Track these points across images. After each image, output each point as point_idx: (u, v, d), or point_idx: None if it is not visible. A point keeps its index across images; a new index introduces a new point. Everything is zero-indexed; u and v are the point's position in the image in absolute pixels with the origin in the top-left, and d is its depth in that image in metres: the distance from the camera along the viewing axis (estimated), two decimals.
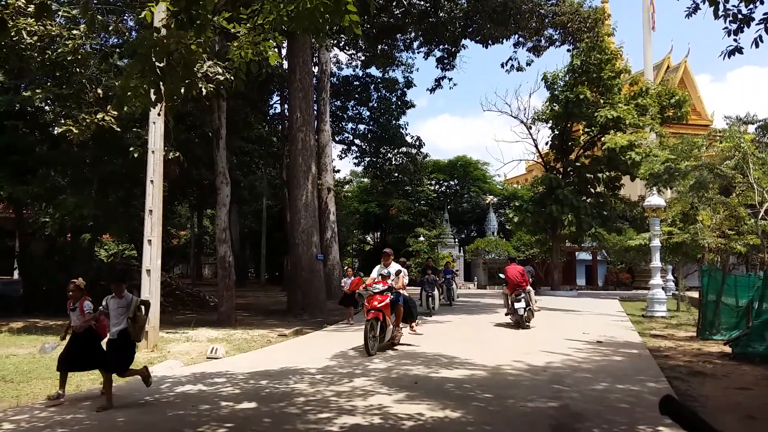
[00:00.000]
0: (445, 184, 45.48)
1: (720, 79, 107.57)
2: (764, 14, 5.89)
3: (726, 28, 6.10)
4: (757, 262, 20.95)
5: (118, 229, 18.00)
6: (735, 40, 6.15)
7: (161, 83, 5.05)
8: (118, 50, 15.21)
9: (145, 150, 11.29)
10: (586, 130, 28.56)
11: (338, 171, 38.10)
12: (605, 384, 7.21)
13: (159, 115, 10.01)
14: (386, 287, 9.71)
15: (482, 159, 47.29)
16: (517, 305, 12.95)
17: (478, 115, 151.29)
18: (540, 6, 19.65)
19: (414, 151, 32.71)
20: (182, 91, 5.36)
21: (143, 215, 10.73)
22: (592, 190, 28.79)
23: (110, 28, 14.02)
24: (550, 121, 29.26)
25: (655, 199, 16.82)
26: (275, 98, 27.85)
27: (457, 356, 9.11)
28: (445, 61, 22.43)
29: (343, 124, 31.93)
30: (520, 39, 20.84)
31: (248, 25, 5.62)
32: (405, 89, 30.59)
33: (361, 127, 32.08)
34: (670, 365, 8.62)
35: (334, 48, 25.97)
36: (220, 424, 5.41)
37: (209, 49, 8.35)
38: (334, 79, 28.85)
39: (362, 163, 34.50)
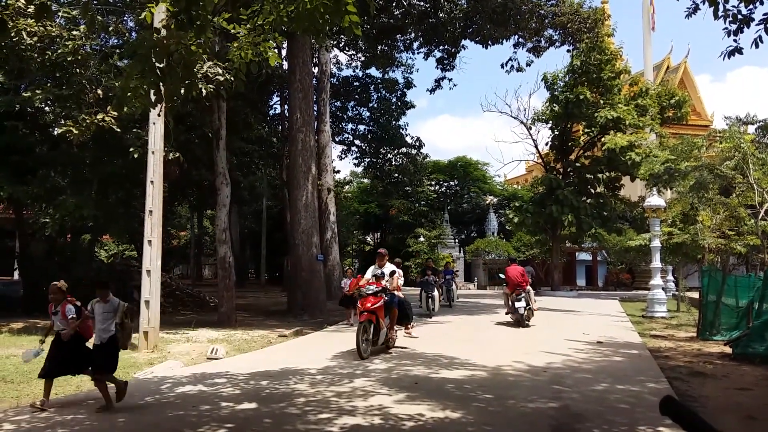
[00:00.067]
0: (445, 184, 45.43)
1: (720, 80, 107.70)
2: (764, 14, 5.90)
3: (726, 28, 6.11)
4: (757, 262, 20.96)
5: (118, 229, 18.04)
6: (735, 40, 6.16)
7: (161, 84, 5.06)
8: (118, 51, 15.18)
9: (145, 151, 11.30)
10: (586, 130, 28.57)
11: (338, 171, 38.11)
12: (605, 384, 7.22)
13: (159, 115, 10.01)
14: (380, 288, 9.41)
15: (482, 159, 46.99)
16: (517, 304, 13.33)
17: (478, 115, 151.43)
18: (540, 6, 19.66)
19: (414, 151, 32.70)
20: (182, 91, 5.36)
21: (143, 216, 10.73)
22: (592, 191, 28.80)
23: (110, 29, 14.00)
24: (550, 122, 29.28)
25: (655, 200, 16.83)
26: (275, 99, 27.88)
27: (457, 357, 9.11)
28: (445, 61, 22.43)
29: (343, 124, 31.91)
30: (520, 39, 20.84)
31: (248, 25, 5.63)
32: (405, 90, 30.60)
33: (361, 127, 32.09)
34: (670, 366, 8.62)
35: (334, 49, 25.96)
36: (221, 425, 5.42)
37: (209, 49, 8.37)
38: (334, 80, 28.83)
39: (362, 164, 34.49)
